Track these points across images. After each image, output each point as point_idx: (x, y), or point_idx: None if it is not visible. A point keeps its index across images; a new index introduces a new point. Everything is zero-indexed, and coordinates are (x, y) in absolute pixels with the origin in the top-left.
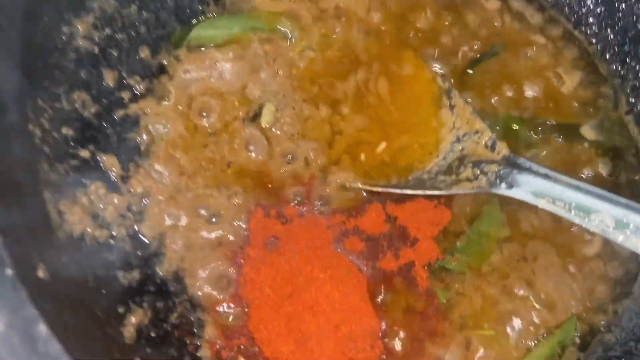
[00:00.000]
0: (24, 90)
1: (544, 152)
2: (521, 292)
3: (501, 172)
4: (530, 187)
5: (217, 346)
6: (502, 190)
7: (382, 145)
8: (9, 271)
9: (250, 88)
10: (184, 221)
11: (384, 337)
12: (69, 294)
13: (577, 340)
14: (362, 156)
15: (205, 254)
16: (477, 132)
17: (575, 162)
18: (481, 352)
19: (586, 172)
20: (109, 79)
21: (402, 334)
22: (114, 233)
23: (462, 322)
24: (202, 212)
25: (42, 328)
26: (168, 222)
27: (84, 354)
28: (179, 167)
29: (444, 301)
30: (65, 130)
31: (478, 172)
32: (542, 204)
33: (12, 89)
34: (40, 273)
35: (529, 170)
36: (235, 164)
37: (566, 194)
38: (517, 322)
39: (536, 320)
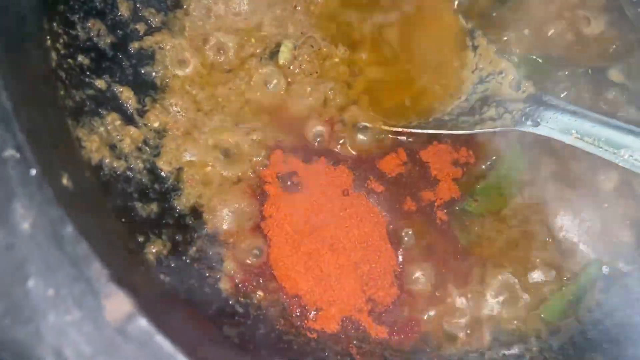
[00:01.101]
0: (40, 8)
1: (570, 95)
2: (542, 236)
3: (527, 109)
4: (558, 124)
5: (236, 280)
6: (528, 127)
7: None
8: (34, 171)
9: (268, 25)
10: (201, 157)
11: (403, 276)
12: (93, 207)
13: (599, 284)
14: (382, 97)
15: (223, 190)
16: (501, 72)
17: (603, 106)
18: (500, 293)
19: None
20: (124, 9)
21: (421, 274)
22: (132, 165)
23: (482, 263)
24: (220, 148)
25: (70, 228)
26: (185, 157)
27: (111, 259)
28: (195, 104)
29: (464, 243)
30: (81, 59)
31: (502, 110)
32: (569, 140)
33: (30, 3)
34: (65, 181)
35: (556, 107)
36: (252, 102)
37: (595, 129)
38: (537, 265)
39: (557, 264)
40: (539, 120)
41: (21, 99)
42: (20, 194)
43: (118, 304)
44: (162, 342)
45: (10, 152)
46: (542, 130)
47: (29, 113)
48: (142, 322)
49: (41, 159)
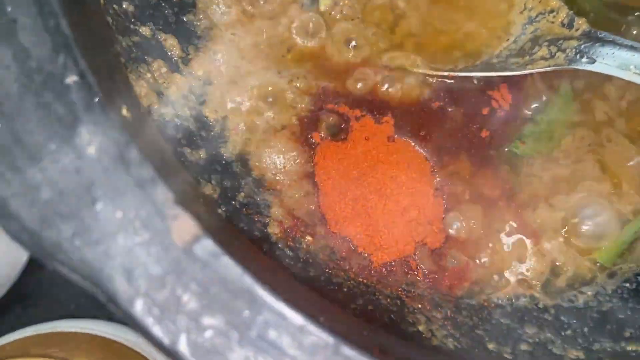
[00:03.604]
0: None
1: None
2: (597, 177)
3: (582, 46)
4: (615, 60)
5: (285, 225)
6: (583, 65)
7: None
8: (98, 98)
9: None
10: (246, 105)
11: (451, 221)
12: (152, 138)
13: None
14: (426, 41)
15: (268, 137)
16: (552, 10)
17: None
18: (551, 236)
19: None
20: None
21: (469, 218)
22: (179, 112)
23: (532, 205)
24: (264, 95)
25: (135, 152)
26: (230, 105)
27: (174, 185)
28: (238, 52)
29: (513, 184)
30: (125, 5)
31: (555, 49)
32: (628, 75)
33: None
34: (125, 112)
35: (612, 42)
36: (294, 49)
37: None
38: (591, 207)
39: (613, 206)
40: (594, 57)
41: (79, 30)
42: (85, 120)
43: (184, 225)
44: (229, 262)
45: (73, 78)
46: (598, 67)
47: (87, 44)
48: (209, 244)
49: (102, 88)
